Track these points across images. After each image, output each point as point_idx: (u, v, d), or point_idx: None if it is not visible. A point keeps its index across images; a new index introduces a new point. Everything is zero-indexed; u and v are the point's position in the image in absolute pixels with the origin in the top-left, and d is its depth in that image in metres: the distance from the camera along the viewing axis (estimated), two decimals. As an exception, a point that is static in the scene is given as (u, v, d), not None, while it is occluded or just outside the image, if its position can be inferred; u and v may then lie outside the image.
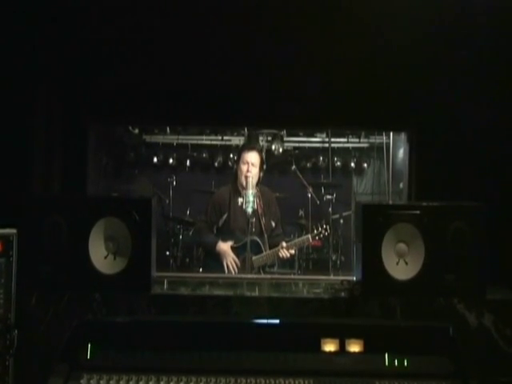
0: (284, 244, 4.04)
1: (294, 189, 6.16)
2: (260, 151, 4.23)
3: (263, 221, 4.05)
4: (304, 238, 4.29)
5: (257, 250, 3.99)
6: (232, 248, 4.00)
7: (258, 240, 4.00)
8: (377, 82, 2.42)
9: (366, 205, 2.07)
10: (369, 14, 2.31)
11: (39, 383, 1.79)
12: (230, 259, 3.98)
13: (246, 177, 3.90)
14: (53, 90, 2.44)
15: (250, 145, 4.39)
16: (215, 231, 4.10)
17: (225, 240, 4.04)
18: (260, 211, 4.00)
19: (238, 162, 4.15)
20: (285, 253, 4.03)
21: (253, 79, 2.43)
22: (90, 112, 2.50)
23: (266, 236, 4.04)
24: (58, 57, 2.38)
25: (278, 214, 4.25)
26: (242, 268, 3.95)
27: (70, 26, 2.35)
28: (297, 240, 4.25)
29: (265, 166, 4.18)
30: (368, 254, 1.98)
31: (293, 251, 4.13)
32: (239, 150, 4.28)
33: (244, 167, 4.01)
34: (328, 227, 4.38)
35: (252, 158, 4.03)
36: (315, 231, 4.35)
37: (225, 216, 4.06)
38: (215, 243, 4.04)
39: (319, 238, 4.48)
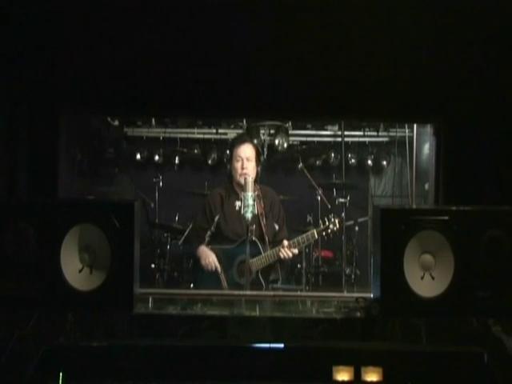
0: (285, 242, 4.01)
1: (300, 190, 6.19)
2: (253, 142, 4.27)
3: (264, 222, 4.04)
4: (309, 233, 4.23)
5: (255, 251, 3.98)
6: (222, 250, 4.04)
7: (257, 240, 3.99)
8: (398, 66, 2.41)
9: (386, 209, 2.06)
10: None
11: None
12: (210, 259, 4.00)
13: (243, 175, 3.92)
14: (16, 73, 2.43)
15: (242, 138, 4.42)
16: (208, 238, 4.11)
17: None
18: (260, 211, 4.00)
19: (230, 159, 4.19)
20: (286, 252, 4.00)
21: (253, 61, 2.42)
22: (60, 99, 2.50)
23: (267, 240, 4.03)
24: (21, 33, 2.37)
25: (283, 216, 4.25)
26: (238, 272, 3.96)
27: None
28: (300, 237, 4.20)
29: (262, 158, 4.19)
30: (388, 267, 1.98)
31: (296, 251, 4.10)
32: (230, 147, 4.32)
33: (238, 164, 4.04)
34: (337, 222, 4.32)
35: (245, 152, 4.06)
36: (321, 226, 4.31)
37: (216, 218, 4.07)
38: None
39: (327, 234, 4.43)
